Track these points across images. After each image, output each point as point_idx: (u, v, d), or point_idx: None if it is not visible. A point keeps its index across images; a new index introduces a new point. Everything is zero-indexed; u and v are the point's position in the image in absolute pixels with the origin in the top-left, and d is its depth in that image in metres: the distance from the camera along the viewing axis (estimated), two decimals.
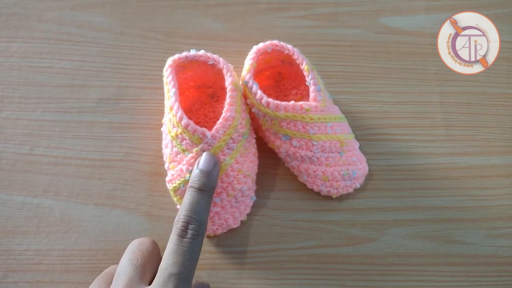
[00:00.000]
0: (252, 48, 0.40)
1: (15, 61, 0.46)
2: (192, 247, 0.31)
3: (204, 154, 0.35)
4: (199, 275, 0.39)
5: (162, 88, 0.39)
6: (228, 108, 0.35)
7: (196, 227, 0.31)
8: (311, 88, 0.37)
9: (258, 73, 0.43)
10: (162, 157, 0.40)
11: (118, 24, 0.48)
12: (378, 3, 0.49)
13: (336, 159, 0.39)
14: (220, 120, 0.35)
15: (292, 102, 0.37)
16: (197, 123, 0.42)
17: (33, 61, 0.46)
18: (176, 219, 0.32)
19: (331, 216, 0.40)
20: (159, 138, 0.41)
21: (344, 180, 0.39)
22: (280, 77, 0.44)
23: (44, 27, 0.47)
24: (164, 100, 0.39)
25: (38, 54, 0.46)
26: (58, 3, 0.49)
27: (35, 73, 0.46)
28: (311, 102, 0.37)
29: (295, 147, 0.38)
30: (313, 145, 0.38)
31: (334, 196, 0.40)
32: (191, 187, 0.33)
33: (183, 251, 0.30)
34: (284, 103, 0.37)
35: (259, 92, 0.37)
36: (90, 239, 0.40)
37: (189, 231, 0.31)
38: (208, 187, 0.33)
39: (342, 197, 0.40)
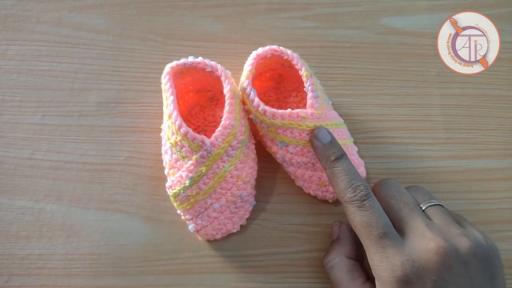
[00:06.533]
0: (251, 50, 0.39)
1: (14, 64, 0.46)
2: (373, 204, 0.32)
3: (319, 129, 0.36)
4: (199, 279, 0.39)
5: (162, 91, 0.38)
6: (227, 116, 0.35)
7: (363, 186, 0.33)
8: (309, 95, 0.37)
9: (258, 75, 0.43)
10: (162, 161, 0.40)
11: (117, 26, 0.47)
12: (379, 3, 0.49)
13: None
14: (219, 128, 0.35)
15: (289, 110, 0.37)
16: (196, 127, 0.42)
17: (32, 64, 0.46)
18: (341, 194, 0.34)
19: (330, 220, 0.41)
20: (159, 142, 0.41)
21: None
22: (281, 78, 0.44)
23: (43, 29, 0.47)
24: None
25: (36, 57, 0.46)
26: (56, 5, 0.48)
27: (35, 76, 0.45)
28: (308, 110, 0.37)
29: (291, 153, 0.38)
30: (308, 151, 0.38)
31: (330, 201, 0.40)
32: (336, 159, 0.35)
33: (372, 212, 0.32)
34: (280, 111, 0.36)
35: (256, 99, 0.37)
36: (92, 243, 0.40)
37: (361, 192, 0.33)
38: (342, 151, 0.36)
39: (338, 201, 0.40)
